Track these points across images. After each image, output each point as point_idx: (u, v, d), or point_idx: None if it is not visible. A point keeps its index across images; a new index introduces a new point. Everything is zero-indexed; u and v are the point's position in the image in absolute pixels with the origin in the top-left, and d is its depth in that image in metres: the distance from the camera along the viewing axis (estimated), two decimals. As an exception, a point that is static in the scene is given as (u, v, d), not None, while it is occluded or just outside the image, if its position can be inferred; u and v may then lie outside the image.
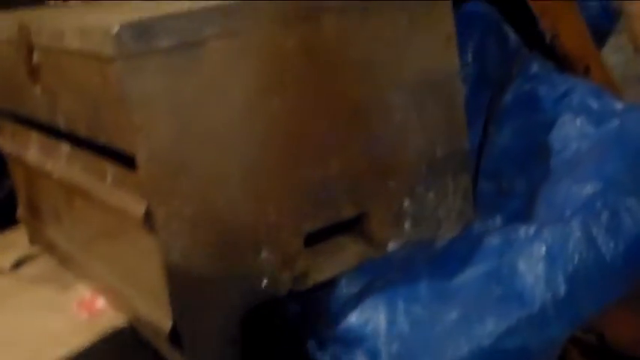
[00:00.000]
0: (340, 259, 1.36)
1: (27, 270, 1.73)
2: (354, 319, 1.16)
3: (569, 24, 1.50)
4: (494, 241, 1.19)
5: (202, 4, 1.16)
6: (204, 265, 1.19)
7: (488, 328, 1.14)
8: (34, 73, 1.41)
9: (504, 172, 1.37)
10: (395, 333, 1.16)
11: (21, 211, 1.82)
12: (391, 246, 1.39)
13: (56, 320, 1.46)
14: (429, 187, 1.41)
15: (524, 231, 1.19)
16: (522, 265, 1.17)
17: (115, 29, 1.06)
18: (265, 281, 1.24)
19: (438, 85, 1.39)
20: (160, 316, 1.22)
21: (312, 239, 1.35)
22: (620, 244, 1.17)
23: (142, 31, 1.08)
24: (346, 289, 1.28)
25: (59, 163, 1.44)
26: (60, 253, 1.64)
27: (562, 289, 1.15)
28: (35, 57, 1.39)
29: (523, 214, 1.26)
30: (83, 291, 1.53)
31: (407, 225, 1.39)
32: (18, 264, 1.73)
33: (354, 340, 1.16)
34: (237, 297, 1.22)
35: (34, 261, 1.77)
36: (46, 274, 1.68)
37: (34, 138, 1.56)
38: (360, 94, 1.31)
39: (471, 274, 1.18)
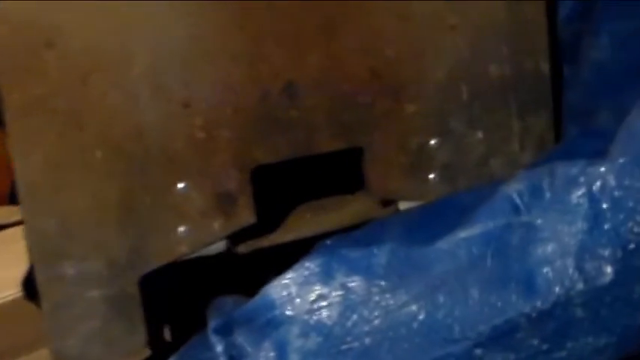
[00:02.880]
0: (321, 219, 0.88)
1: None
2: (266, 295, 0.68)
3: None
4: (513, 187, 0.64)
5: None
6: (76, 181, 0.77)
7: (462, 328, 0.60)
8: None
9: (599, 104, 0.79)
10: (318, 320, 0.65)
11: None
12: (406, 204, 0.86)
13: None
14: (476, 124, 0.87)
15: (563, 172, 0.63)
16: (546, 229, 0.61)
17: None
18: (183, 230, 0.80)
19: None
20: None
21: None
22: None
23: None
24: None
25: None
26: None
27: (607, 271, 0.58)
28: None
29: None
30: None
31: (433, 176, 0.86)
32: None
33: (262, 327, 0.68)
34: (130, 246, 0.79)
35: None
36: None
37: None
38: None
39: (462, 236, 0.63)
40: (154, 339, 0.91)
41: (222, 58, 0.81)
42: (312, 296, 0.70)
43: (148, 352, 0.83)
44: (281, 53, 0.83)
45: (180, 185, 0.82)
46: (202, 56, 0.81)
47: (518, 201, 0.66)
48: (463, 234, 0.66)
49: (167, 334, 1.00)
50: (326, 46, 0.84)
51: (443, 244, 0.67)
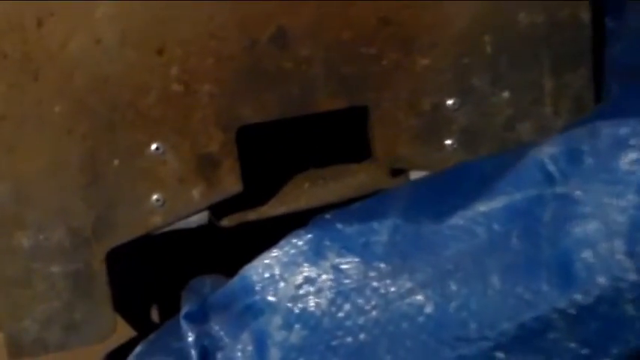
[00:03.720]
0: (320, 190, 0.75)
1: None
2: (246, 277, 0.55)
3: None
4: (546, 152, 0.50)
5: None
6: (32, 140, 0.66)
7: (479, 325, 0.46)
8: None
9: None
10: (304, 309, 0.52)
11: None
12: (418, 174, 0.73)
13: None
14: (501, 81, 0.73)
15: (608, 132, 0.49)
16: (588, 203, 0.47)
17: None
18: (157, 198, 0.67)
19: None
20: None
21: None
22: None
23: None
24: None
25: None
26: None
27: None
28: None
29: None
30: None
31: (451, 142, 0.73)
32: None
33: (240, 315, 0.55)
34: (96, 215, 0.67)
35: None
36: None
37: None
38: None
39: (482, 210, 0.50)
40: (139, 320, 0.79)
41: (202, -3, 0.68)
42: (299, 279, 0.57)
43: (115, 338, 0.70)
44: (272, -6, 0.69)
45: (154, 146, 0.69)
46: (179, -5, 0.67)
47: (551, 168, 0.52)
48: (482, 207, 0.53)
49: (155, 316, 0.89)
50: (326, -14, 0.70)
51: (457, 219, 0.53)
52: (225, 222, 0.73)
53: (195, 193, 0.71)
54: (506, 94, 0.75)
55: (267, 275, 0.58)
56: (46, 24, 0.66)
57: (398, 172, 0.76)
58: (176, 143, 0.70)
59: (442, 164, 0.75)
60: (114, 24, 0.67)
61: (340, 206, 0.70)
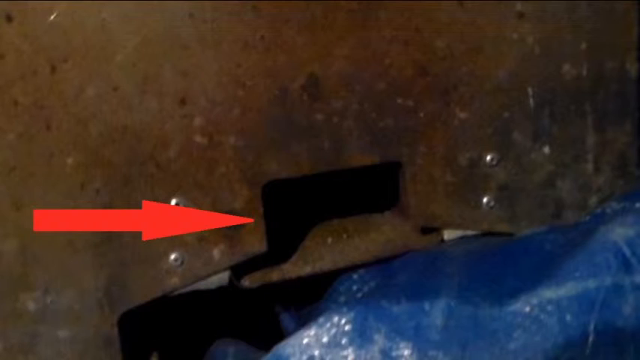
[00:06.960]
0: (344, 246, 0.67)
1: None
2: (281, 358, 0.47)
3: None
4: (619, 233, 0.43)
5: None
6: (41, 194, 0.60)
7: None
8: None
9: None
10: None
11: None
12: (451, 234, 0.66)
13: None
14: (542, 136, 0.66)
15: None
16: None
17: None
18: (175, 257, 0.59)
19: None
20: None
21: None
22: None
23: None
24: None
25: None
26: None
27: None
28: None
29: None
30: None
31: (487, 199, 0.65)
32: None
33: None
34: (108, 276, 0.59)
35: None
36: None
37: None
38: None
39: (549, 296, 0.42)
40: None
41: (229, 43, 0.61)
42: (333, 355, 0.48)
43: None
44: (303, 40, 0.62)
45: (173, 202, 0.61)
46: (204, 40, 0.60)
47: (627, 252, 0.45)
48: (550, 293, 0.45)
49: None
50: (359, 32, 0.63)
51: (522, 305, 0.46)
52: (247, 283, 0.65)
53: (216, 252, 0.63)
54: (546, 150, 0.68)
55: (305, 358, 0.50)
56: (60, 70, 0.58)
57: (429, 229, 0.69)
58: (197, 199, 0.62)
59: (478, 223, 0.68)
60: (133, 70, 0.59)
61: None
